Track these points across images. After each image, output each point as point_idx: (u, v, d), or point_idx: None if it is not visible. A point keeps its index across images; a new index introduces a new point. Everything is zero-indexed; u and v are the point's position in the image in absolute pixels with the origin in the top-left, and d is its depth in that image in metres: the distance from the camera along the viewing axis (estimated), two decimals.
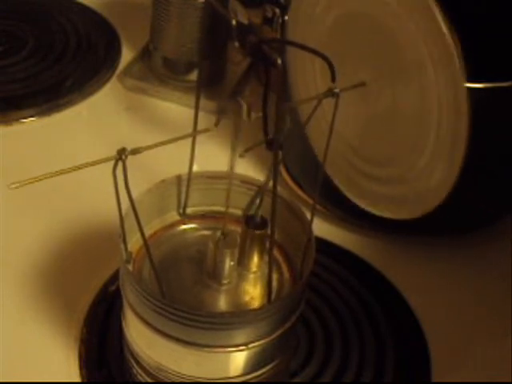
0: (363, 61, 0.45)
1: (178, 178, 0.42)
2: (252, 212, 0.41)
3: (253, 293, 0.41)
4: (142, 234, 0.37)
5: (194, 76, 0.69)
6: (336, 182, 0.52)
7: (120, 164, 0.33)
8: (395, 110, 0.45)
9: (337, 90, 0.37)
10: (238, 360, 0.39)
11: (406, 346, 0.51)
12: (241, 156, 0.37)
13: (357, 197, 0.51)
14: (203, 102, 0.55)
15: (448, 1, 0.41)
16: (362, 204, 0.51)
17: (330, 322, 0.51)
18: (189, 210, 0.44)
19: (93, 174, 0.36)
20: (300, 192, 0.59)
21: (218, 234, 0.39)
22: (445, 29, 0.39)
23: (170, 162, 0.49)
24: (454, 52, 0.39)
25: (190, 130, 0.40)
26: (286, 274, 0.42)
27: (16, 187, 0.31)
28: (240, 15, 0.55)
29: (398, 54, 0.43)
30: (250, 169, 0.41)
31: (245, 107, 0.35)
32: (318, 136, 0.51)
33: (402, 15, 0.42)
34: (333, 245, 0.57)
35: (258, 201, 0.41)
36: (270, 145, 0.36)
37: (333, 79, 0.37)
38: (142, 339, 0.40)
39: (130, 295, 0.39)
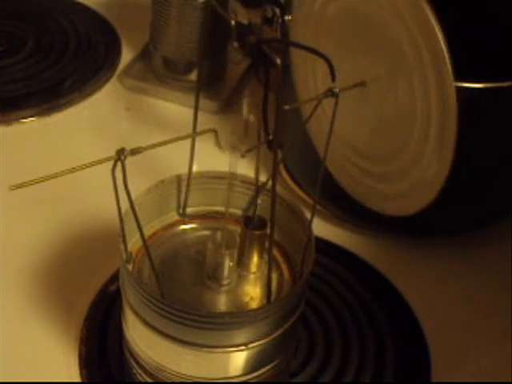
0: (362, 59, 0.45)
1: (178, 177, 0.42)
2: (251, 212, 0.41)
3: (252, 293, 0.41)
4: (142, 235, 0.37)
5: (194, 76, 0.69)
6: (337, 179, 0.52)
7: (119, 164, 0.33)
8: (394, 108, 0.45)
9: (337, 90, 0.37)
10: (237, 360, 0.39)
11: (405, 346, 0.51)
12: (242, 156, 0.37)
13: (357, 195, 0.51)
14: (203, 101, 0.55)
15: (449, 1, 0.41)
16: (363, 202, 0.51)
17: (330, 321, 0.51)
18: (189, 210, 0.44)
19: (93, 174, 0.36)
20: (300, 192, 0.59)
21: (218, 234, 0.39)
22: (433, 27, 0.39)
23: (170, 162, 0.49)
24: (441, 50, 0.39)
25: (189, 130, 0.40)
26: (286, 274, 0.42)
27: (15, 188, 0.31)
28: (240, 15, 0.55)
29: (395, 52, 0.43)
30: (250, 169, 0.41)
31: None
32: (320, 135, 0.51)
33: (397, 12, 0.42)
34: (333, 245, 0.57)
35: (257, 201, 0.41)
36: (271, 145, 0.36)
37: (333, 79, 0.37)
38: (142, 339, 0.40)
39: (129, 295, 0.39)
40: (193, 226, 0.44)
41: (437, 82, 0.41)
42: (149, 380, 0.42)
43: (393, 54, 0.43)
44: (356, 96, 0.44)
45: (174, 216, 0.43)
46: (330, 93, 0.37)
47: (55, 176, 0.32)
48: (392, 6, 0.42)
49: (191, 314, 0.36)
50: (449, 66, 0.39)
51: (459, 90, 0.40)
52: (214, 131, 0.35)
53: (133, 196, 0.36)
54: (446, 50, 0.39)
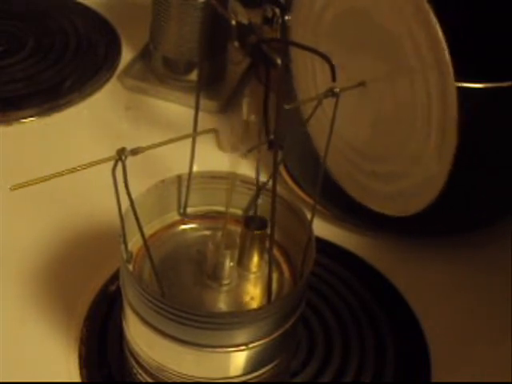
0: (362, 59, 0.45)
1: (178, 177, 0.42)
2: (252, 212, 0.41)
3: (253, 293, 0.41)
4: (142, 235, 0.37)
5: (194, 76, 0.69)
6: (337, 179, 0.52)
7: (120, 164, 0.33)
8: (394, 107, 0.45)
9: (337, 90, 0.37)
10: (238, 360, 0.39)
11: (405, 346, 0.51)
12: (244, 156, 0.37)
13: (358, 195, 0.51)
14: (203, 101, 0.55)
15: (449, 1, 0.41)
16: (363, 201, 0.51)
17: (330, 321, 0.51)
18: (189, 210, 0.44)
19: (93, 174, 0.36)
20: (300, 192, 0.59)
21: (218, 234, 0.39)
22: (433, 27, 0.39)
23: (171, 161, 0.49)
24: (443, 50, 0.39)
25: (189, 130, 0.40)
26: (286, 274, 0.42)
27: (16, 188, 0.31)
28: (240, 15, 0.55)
29: (395, 52, 0.43)
30: (250, 169, 0.41)
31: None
32: (320, 135, 0.51)
33: (397, 12, 0.42)
34: (333, 245, 0.57)
35: (257, 201, 0.41)
36: (272, 145, 0.36)
37: (333, 79, 0.37)
38: (142, 339, 0.40)
39: (130, 295, 0.39)
40: (193, 225, 0.44)
41: (437, 80, 0.41)
42: (149, 380, 0.42)
43: (393, 53, 0.43)
44: (356, 96, 0.44)
45: (174, 216, 0.43)
46: (331, 93, 0.37)
47: (55, 176, 0.32)
48: (392, 6, 0.42)
49: (192, 313, 0.36)
50: (450, 66, 0.39)
51: (459, 89, 0.40)
52: (215, 131, 0.35)
53: (133, 196, 0.36)
54: (446, 48, 0.39)
